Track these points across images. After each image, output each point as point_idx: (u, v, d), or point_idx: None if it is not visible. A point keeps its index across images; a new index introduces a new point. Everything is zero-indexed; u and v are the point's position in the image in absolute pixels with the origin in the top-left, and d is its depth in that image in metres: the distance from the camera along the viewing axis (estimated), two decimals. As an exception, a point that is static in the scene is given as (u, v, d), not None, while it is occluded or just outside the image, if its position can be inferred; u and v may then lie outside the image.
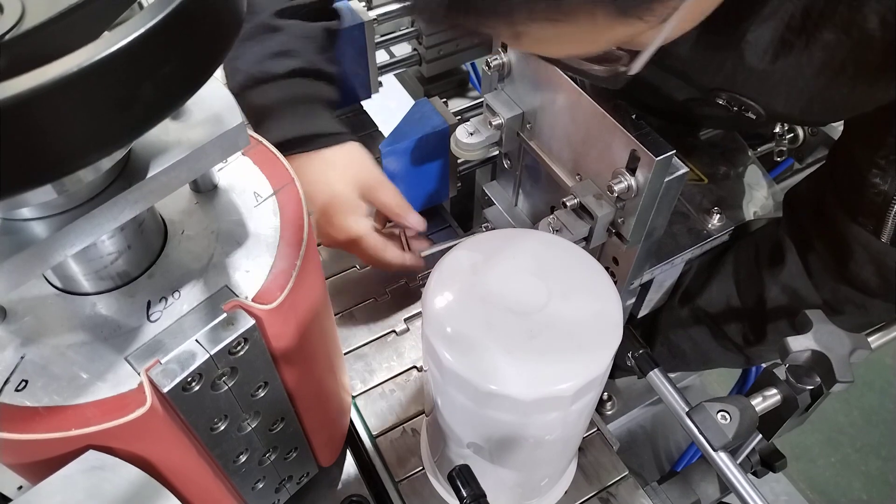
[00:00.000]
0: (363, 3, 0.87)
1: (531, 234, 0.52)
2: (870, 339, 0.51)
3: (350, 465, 0.66)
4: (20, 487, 0.47)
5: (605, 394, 0.86)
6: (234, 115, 0.37)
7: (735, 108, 0.58)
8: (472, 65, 1.10)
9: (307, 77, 0.67)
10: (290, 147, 0.65)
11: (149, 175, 0.35)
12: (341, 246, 0.67)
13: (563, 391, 0.43)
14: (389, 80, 1.07)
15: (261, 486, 0.52)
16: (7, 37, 0.27)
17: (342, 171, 0.65)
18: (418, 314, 0.76)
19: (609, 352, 0.44)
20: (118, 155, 0.34)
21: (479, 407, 0.45)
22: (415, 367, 0.72)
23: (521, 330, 0.45)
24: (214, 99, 0.38)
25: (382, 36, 0.93)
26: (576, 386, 0.43)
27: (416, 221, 0.68)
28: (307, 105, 0.67)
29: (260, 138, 0.48)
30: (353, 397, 0.69)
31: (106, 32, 0.31)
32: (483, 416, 0.46)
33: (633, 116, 0.54)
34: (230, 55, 0.67)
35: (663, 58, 0.58)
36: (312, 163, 0.65)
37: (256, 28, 0.67)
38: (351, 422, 0.67)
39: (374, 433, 0.66)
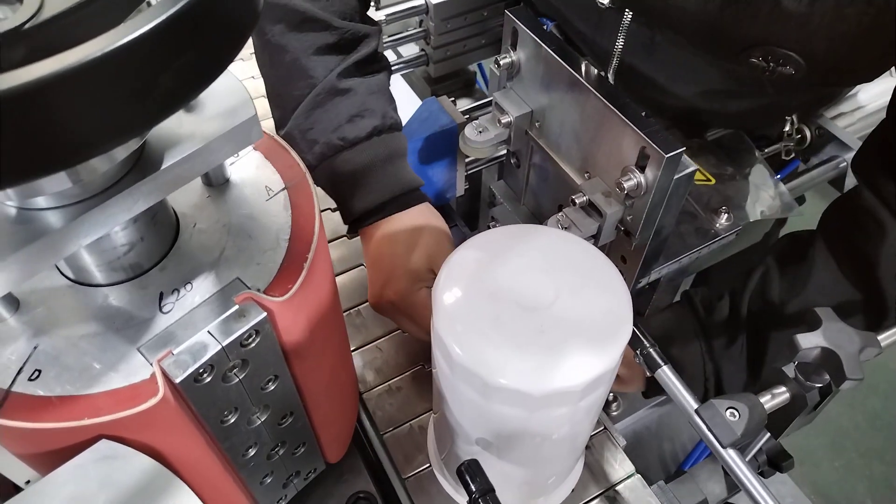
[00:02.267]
0: (371, 4, 0.88)
1: (540, 229, 0.52)
2: (879, 338, 0.51)
3: (357, 462, 0.66)
4: (28, 482, 0.47)
5: (611, 394, 0.86)
6: (247, 108, 0.38)
7: (771, 65, 0.55)
8: (480, 66, 1.11)
9: (385, 133, 0.65)
10: (381, 211, 0.63)
11: (163, 167, 0.35)
12: (394, 309, 0.65)
13: (572, 386, 0.43)
14: (397, 80, 1.07)
15: (269, 480, 0.52)
16: (27, 26, 0.28)
17: (417, 239, 0.63)
18: (425, 312, 0.76)
19: (619, 347, 0.44)
20: (133, 145, 0.34)
21: (488, 402, 0.45)
22: (422, 364, 0.72)
23: (531, 325, 0.45)
24: (228, 92, 0.38)
25: (390, 36, 0.93)
26: (585, 381, 0.43)
27: None
28: (392, 163, 0.65)
29: (273, 134, 0.48)
30: (361, 394, 0.69)
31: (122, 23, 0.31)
32: (492, 411, 0.46)
33: (643, 114, 0.54)
34: (299, 126, 0.64)
35: (693, 19, 0.56)
36: (392, 227, 0.64)
37: (323, 94, 0.64)
38: (358, 418, 0.67)
39: (381, 430, 0.66)
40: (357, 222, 0.65)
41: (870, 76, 0.61)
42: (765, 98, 0.70)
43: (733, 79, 0.67)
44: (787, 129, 0.80)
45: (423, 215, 0.65)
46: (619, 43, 0.67)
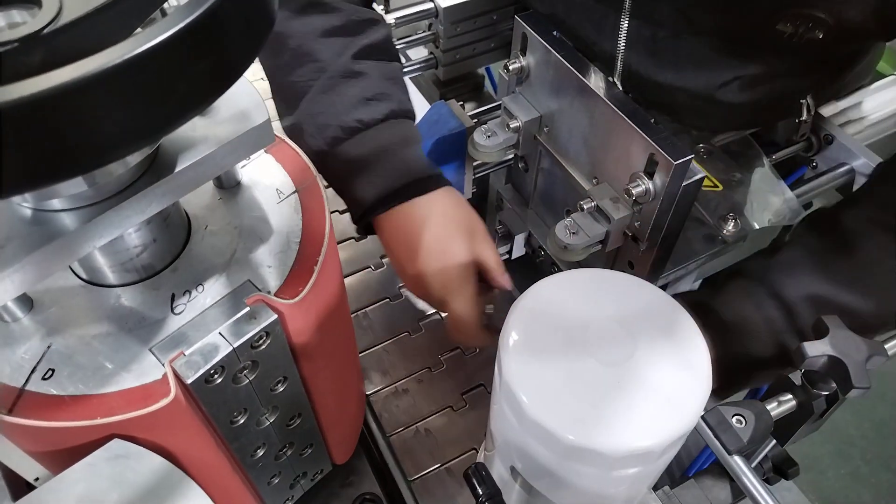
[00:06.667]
0: (381, 7, 0.88)
1: (613, 275, 0.49)
2: (887, 346, 0.51)
3: (363, 464, 0.66)
4: (37, 479, 0.48)
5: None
6: (260, 112, 0.38)
7: (800, 30, 0.53)
8: (488, 69, 1.11)
9: (401, 118, 0.62)
10: (399, 196, 0.59)
11: (176, 170, 0.35)
12: (429, 299, 0.61)
13: (651, 447, 0.40)
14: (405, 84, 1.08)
15: (276, 481, 0.53)
16: (46, 31, 0.28)
17: (453, 221, 0.59)
18: (432, 315, 0.77)
19: (698, 404, 0.41)
20: (148, 149, 0.34)
21: (560, 458, 0.42)
22: (427, 367, 0.72)
23: (607, 380, 0.42)
24: (241, 96, 0.38)
25: (399, 39, 0.93)
26: (665, 441, 0.40)
27: (507, 281, 0.61)
28: (409, 147, 0.61)
29: (284, 137, 0.48)
30: (367, 396, 0.69)
31: (138, 29, 0.32)
32: (562, 466, 0.43)
33: (652, 121, 0.54)
34: (309, 111, 0.60)
35: None
36: (420, 211, 0.59)
37: (335, 77, 0.61)
38: (365, 420, 0.68)
39: (387, 432, 0.67)
40: (371, 210, 0.60)
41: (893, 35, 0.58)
42: (776, 81, 0.68)
43: (741, 65, 0.65)
44: (803, 117, 0.77)
45: (446, 196, 0.60)
46: (621, 45, 0.66)
